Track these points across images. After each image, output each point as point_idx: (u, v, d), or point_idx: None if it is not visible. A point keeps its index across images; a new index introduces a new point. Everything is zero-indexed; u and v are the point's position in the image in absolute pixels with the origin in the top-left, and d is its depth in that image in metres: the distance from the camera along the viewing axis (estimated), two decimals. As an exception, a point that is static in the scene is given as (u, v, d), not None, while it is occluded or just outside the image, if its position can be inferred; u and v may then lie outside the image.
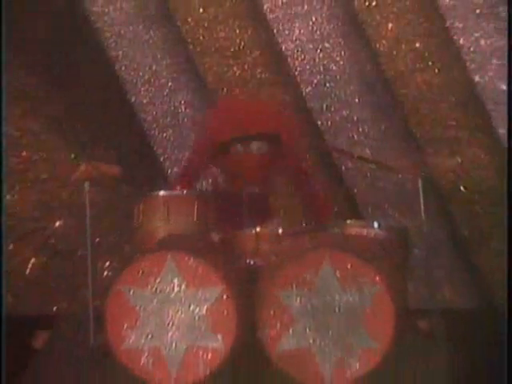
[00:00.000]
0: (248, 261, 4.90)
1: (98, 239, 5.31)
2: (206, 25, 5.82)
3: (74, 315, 5.51)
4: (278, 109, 5.57)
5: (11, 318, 5.86)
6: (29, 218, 5.97)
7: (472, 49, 5.68)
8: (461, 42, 5.68)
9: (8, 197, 5.96)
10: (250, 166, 5.25)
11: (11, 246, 5.94)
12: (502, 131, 5.74)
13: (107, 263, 5.63)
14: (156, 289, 4.73)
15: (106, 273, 5.55)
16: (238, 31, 5.82)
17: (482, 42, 5.66)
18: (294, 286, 4.66)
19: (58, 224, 5.93)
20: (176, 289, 4.73)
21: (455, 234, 5.84)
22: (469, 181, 5.81)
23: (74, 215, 5.80)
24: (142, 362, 4.71)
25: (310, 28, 5.79)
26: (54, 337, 5.37)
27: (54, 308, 5.77)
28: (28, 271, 5.93)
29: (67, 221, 5.92)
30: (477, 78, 5.70)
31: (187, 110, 5.90)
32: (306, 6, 5.76)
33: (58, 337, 5.39)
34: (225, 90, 5.83)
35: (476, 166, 5.80)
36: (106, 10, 5.81)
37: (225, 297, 4.67)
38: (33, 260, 5.95)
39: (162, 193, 5.17)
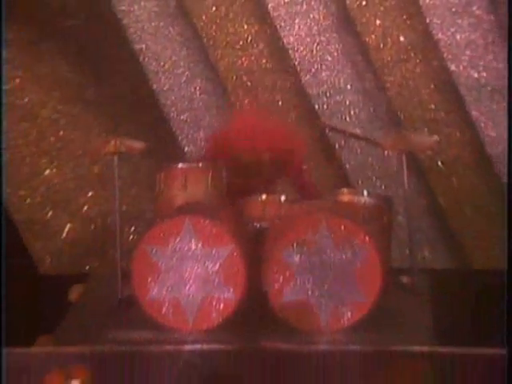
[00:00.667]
0: (255, 224, 4.89)
1: (124, 207, 5.27)
2: (217, 21, 5.79)
3: (104, 273, 5.55)
4: (288, 128, 5.52)
5: (49, 275, 5.94)
6: (65, 189, 5.93)
7: (448, 42, 5.65)
8: (439, 36, 5.65)
9: (47, 171, 5.95)
10: (258, 177, 5.22)
11: (50, 213, 5.94)
12: (475, 113, 5.72)
13: (132, 228, 5.61)
14: (175, 247, 4.74)
15: (131, 236, 5.54)
16: (245, 27, 5.80)
17: (457, 36, 5.63)
18: (295, 245, 4.67)
19: (90, 194, 5.91)
20: (193, 247, 4.73)
21: (433, 202, 5.82)
22: (445, 156, 5.79)
23: (103, 186, 5.78)
24: (164, 311, 4.72)
25: (309, 24, 5.76)
26: (86, 291, 5.38)
27: (87, 267, 5.77)
28: (64, 235, 5.92)
29: (98, 191, 5.89)
30: (452, 67, 5.67)
31: (201, 96, 5.88)
32: (304, 6, 5.73)
33: (90, 291, 5.40)
34: (234, 78, 5.82)
35: (451, 143, 5.78)
36: (132, 8, 5.78)
37: (235, 254, 4.68)
38: (68, 225, 5.94)
39: (180, 165, 5.16)
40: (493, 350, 4.37)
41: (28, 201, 5.92)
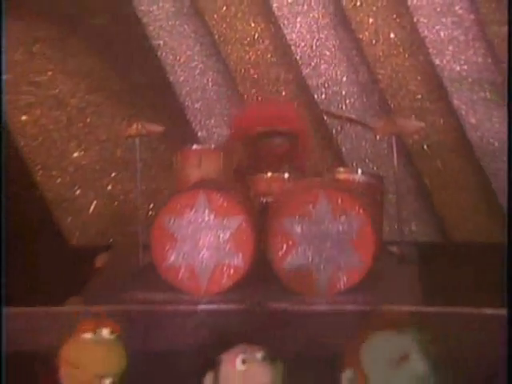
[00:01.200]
0: (261, 198, 4.90)
1: (144, 186, 5.25)
2: (227, 20, 5.78)
3: (126, 244, 5.50)
4: (297, 111, 5.55)
5: (78, 246, 5.95)
6: (91, 169, 5.95)
7: (433, 38, 5.64)
8: (425, 33, 5.64)
9: (76, 154, 5.96)
10: (270, 156, 5.20)
11: (78, 192, 5.94)
12: (457, 102, 5.71)
13: (151, 205, 5.61)
14: (190, 218, 4.72)
15: (150, 212, 5.52)
16: (252, 25, 5.79)
17: (441, 33, 5.63)
18: (297, 217, 4.65)
19: (113, 175, 5.91)
20: (206, 218, 4.71)
21: (420, 182, 5.82)
22: (430, 141, 5.78)
23: (125, 168, 5.79)
24: (180, 276, 4.72)
25: (309, 22, 5.75)
26: (111, 259, 5.38)
27: (111, 240, 5.77)
28: (91, 211, 5.94)
29: (120, 172, 5.90)
30: (437, 62, 5.66)
31: (213, 87, 5.87)
32: (305, 6, 5.70)
33: (114, 259, 5.40)
34: (242, 70, 5.81)
35: (436, 129, 5.78)
36: (150, 8, 5.77)
37: (244, 225, 4.66)
38: (94, 202, 5.94)
39: (195, 146, 5.17)
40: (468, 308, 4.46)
41: (58, 180, 5.92)
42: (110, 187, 5.96)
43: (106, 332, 3.76)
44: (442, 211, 5.86)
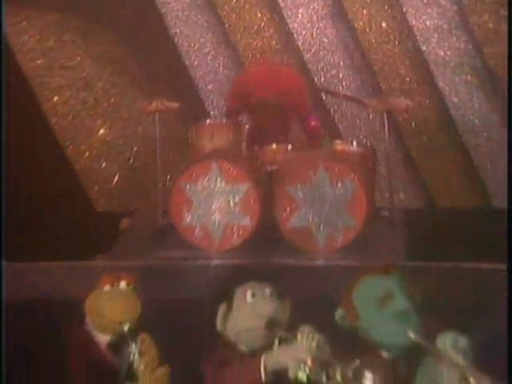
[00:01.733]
0: (267, 167, 4.89)
1: (162, 159, 5.20)
2: (237, 11, 5.75)
3: (147, 210, 5.49)
4: (291, 71, 5.52)
5: (103, 212, 5.93)
6: (115, 144, 5.93)
7: (420, 27, 5.62)
8: (413, 22, 5.62)
9: (101, 130, 5.93)
10: (269, 120, 5.17)
11: (104, 164, 5.92)
12: (441, 84, 5.69)
13: (168, 176, 5.60)
14: (204, 185, 4.75)
15: (167, 183, 5.48)
16: (259, 15, 5.76)
17: (427, 22, 5.61)
18: (299, 183, 4.68)
19: (135, 149, 5.90)
20: (218, 185, 4.74)
21: (408, 155, 5.81)
22: (417, 119, 5.76)
23: (145, 143, 5.79)
24: (195, 235, 4.76)
25: (309, 13, 5.72)
26: (133, 222, 5.38)
27: (133, 206, 5.75)
28: (115, 181, 5.93)
29: (141, 147, 5.89)
30: (424, 48, 5.64)
31: (224, 71, 5.87)
32: None
33: (137, 222, 5.40)
34: (250, 56, 5.79)
35: (422, 108, 5.76)
36: (168, 0, 5.78)
37: (251, 190, 4.70)
38: (118, 174, 5.94)
39: (208, 121, 5.16)
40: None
41: (86, 154, 5.91)
42: (131, 160, 5.94)
43: (123, 284, 3.82)
44: (427, 181, 5.85)
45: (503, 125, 5.67)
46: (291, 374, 3.41)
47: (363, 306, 3.55)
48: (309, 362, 3.41)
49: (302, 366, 3.40)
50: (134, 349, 3.64)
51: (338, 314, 3.59)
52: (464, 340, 3.43)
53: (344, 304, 3.58)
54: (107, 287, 3.77)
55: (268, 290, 3.65)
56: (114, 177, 5.94)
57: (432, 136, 5.80)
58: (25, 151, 5.61)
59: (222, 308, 3.67)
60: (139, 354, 3.61)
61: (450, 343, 3.40)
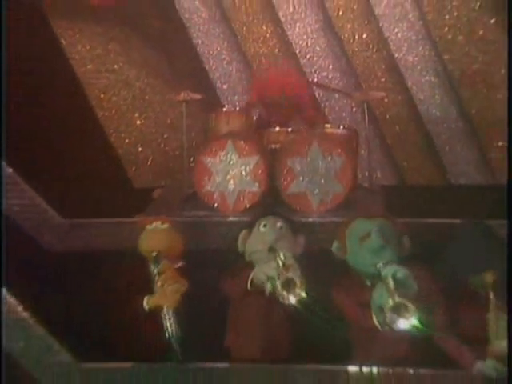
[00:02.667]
0: (272, 145, 4.94)
1: (187, 144, 5.25)
2: (247, 24, 5.73)
3: (175, 184, 5.49)
4: (295, 73, 5.50)
5: (140, 189, 5.83)
6: (149, 132, 5.90)
7: (393, 38, 5.60)
8: (387, 34, 5.62)
9: (138, 121, 5.90)
10: (277, 110, 5.16)
11: (140, 149, 5.91)
12: (410, 83, 5.66)
13: (192, 158, 5.33)
14: (222, 158, 4.76)
15: (191, 163, 5.28)
16: (264, 28, 5.76)
17: (399, 34, 5.61)
18: (297, 157, 4.71)
19: (165, 136, 5.88)
20: (232, 158, 4.76)
21: (384, 141, 5.79)
22: (391, 112, 5.75)
23: (173, 131, 5.78)
24: (214, 199, 4.78)
25: (305, 26, 5.71)
26: (164, 191, 5.36)
27: (163, 183, 5.73)
28: (149, 162, 5.94)
29: (170, 134, 5.87)
30: (396, 55, 5.64)
31: (236, 73, 5.83)
32: (302, 14, 5.68)
33: (167, 192, 5.38)
34: (257, 61, 5.78)
35: (395, 103, 5.74)
36: (192, 16, 5.75)
37: (259, 163, 4.72)
38: (151, 156, 5.93)
39: (224, 109, 5.19)
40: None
41: (126, 141, 5.91)
42: (162, 145, 5.93)
43: (158, 223, 3.94)
44: (399, 162, 5.85)
45: (459, 116, 5.66)
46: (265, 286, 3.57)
47: (350, 242, 3.69)
48: (276, 278, 3.49)
49: (270, 280, 3.51)
50: (154, 270, 3.75)
51: (334, 245, 3.73)
52: (403, 271, 3.47)
53: (338, 238, 3.73)
54: (148, 226, 3.93)
55: (279, 224, 3.78)
56: (148, 159, 5.93)
57: (403, 125, 5.77)
58: (77, 139, 5.58)
59: (242, 233, 3.83)
60: (158, 274, 3.72)
61: (390, 273, 3.48)
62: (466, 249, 3.75)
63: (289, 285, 3.48)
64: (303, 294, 3.45)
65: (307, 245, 3.94)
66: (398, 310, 3.29)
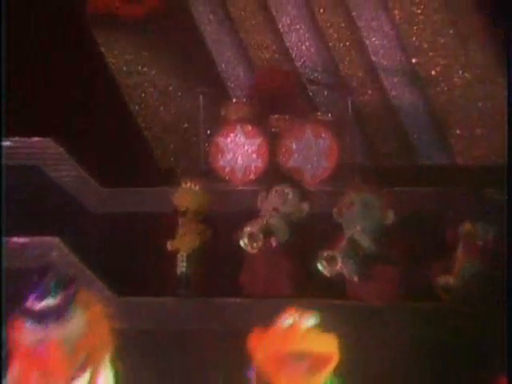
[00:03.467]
0: (272, 129, 5.01)
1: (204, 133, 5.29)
2: (252, 33, 5.67)
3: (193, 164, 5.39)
4: (286, 72, 5.58)
5: (166, 169, 5.61)
6: (173, 121, 5.74)
7: (371, 45, 5.58)
8: (367, 42, 5.58)
9: (163, 113, 5.78)
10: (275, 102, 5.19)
11: (164, 135, 5.79)
12: (385, 83, 5.58)
13: (206, 144, 5.34)
14: (232, 140, 4.90)
15: (207, 147, 5.27)
16: (266, 37, 5.67)
17: (376, 42, 5.57)
18: (293, 139, 4.90)
19: (185, 125, 5.77)
20: (241, 139, 4.91)
21: (365, 130, 5.65)
22: (370, 105, 5.66)
23: (193, 120, 5.59)
24: (225, 172, 4.92)
25: (300, 36, 5.64)
26: (186, 168, 5.34)
27: (185, 164, 5.60)
28: (171, 147, 5.80)
29: (190, 124, 5.71)
30: (374, 59, 5.60)
31: (244, 74, 5.75)
32: (297, 26, 5.61)
33: (188, 167, 5.36)
34: (261, 64, 5.70)
35: (373, 99, 5.64)
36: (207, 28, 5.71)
37: (263, 143, 4.89)
38: (174, 142, 5.78)
39: (234, 101, 5.25)
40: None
41: (153, 129, 5.77)
42: (182, 132, 5.81)
43: (192, 184, 4.12)
44: (376, 145, 5.69)
45: (425, 108, 5.57)
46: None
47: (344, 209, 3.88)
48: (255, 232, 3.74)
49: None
50: (180, 221, 3.97)
51: (334, 210, 3.90)
52: (364, 237, 3.71)
53: (338, 207, 3.90)
54: (183, 185, 4.11)
55: (287, 191, 3.97)
56: (171, 144, 5.81)
57: (379, 115, 5.68)
58: (114, 126, 5.45)
59: (261, 194, 4.03)
60: (182, 225, 3.95)
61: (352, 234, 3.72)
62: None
63: (268, 231, 3.74)
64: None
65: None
66: (331, 260, 3.57)
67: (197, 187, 4.08)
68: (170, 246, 3.93)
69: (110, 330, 2.40)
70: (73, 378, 2.37)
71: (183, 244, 3.93)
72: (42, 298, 2.23)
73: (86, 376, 2.39)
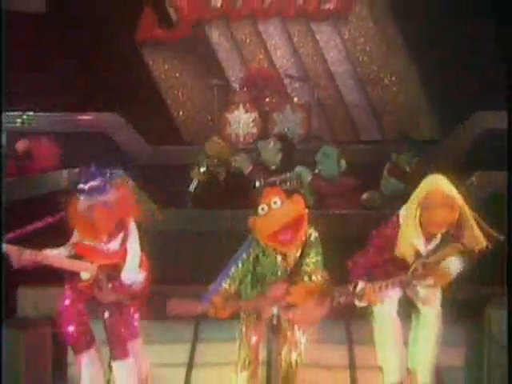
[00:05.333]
0: (265, 107, 5.05)
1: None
2: (248, 52, 5.50)
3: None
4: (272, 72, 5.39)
5: (190, 141, 5.41)
6: (193, 109, 5.55)
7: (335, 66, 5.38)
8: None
9: (188, 104, 5.57)
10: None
11: (190, 119, 5.54)
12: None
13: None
14: (237, 113, 4.90)
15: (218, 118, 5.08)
16: (258, 53, 5.51)
17: (337, 62, 5.39)
18: (278, 113, 4.91)
19: (206, 107, 5.48)
20: (242, 114, 4.93)
21: (326, 112, 5.41)
22: (329, 95, 5.41)
23: (208, 108, 5.42)
24: (232, 139, 4.87)
25: (282, 52, 5.47)
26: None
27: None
28: (194, 127, 5.53)
29: (208, 106, 5.44)
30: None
31: (241, 75, 5.46)
32: (283, 46, 5.45)
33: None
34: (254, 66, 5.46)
35: (333, 90, 5.41)
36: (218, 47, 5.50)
37: (257, 116, 4.92)
38: (195, 124, 5.54)
39: (238, 90, 5.11)
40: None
41: (183, 115, 5.59)
42: (204, 112, 5.51)
43: (216, 138, 4.10)
44: (336, 129, 5.48)
45: (363, 99, 5.34)
46: None
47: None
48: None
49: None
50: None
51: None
52: (307, 173, 3.67)
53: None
54: (214, 138, 4.10)
55: (272, 143, 3.90)
56: (196, 119, 5.54)
57: (334, 102, 5.41)
58: (157, 113, 5.31)
59: (261, 143, 4.02)
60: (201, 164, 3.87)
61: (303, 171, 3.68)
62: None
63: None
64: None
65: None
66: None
67: (219, 141, 4.09)
68: (193, 174, 3.88)
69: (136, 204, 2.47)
70: (110, 236, 2.49)
71: (196, 174, 3.88)
72: (88, 180, 2.46)
73: (119, 237, 2.50)
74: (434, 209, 2.25)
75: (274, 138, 4.05)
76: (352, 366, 2.73)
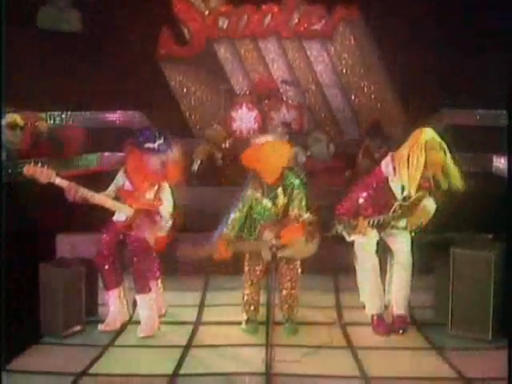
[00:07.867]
0: (265, 107, 5.01)
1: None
2: (249, 65, 5.46)
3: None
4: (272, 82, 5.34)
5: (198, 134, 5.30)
6: (205, 111, 5.41)
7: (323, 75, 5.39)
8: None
9: (199, 107, 5.44)
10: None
11: (200, 120, 5.44)
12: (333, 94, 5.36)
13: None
14: (240, 111, 4.92)
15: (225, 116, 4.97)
16: (258, 66, 5.44)
17: (325, 73, 5.38)
18: (275, 111, 4.95)
19: (215, 108, 5.30)
20: (245, 112, 4.94)
21: (314, 110, 5.36)
22: (320, 101, 5.40)
23: (216, 105, 5.25)
24: (237, 133, 4.87)
25: (279, 65, 5.41)
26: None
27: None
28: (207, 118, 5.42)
29: (217, 107, 5.36)
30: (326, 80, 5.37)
31: (243, 85, 5.40)
32: (279, 60, 5.43)
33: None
34: (255, 76, 5.36)
35: (322, 95, 5.40)
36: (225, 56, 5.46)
37: (258, 114, 4.93)
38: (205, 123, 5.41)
39: (242, 94, 5.10)
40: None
41: (194, 117, 5.53)
42: (213, 112, 5.37)
43: (219, 127, 4.09)
44: (319, 121, 5.39)
45: (346, 104, 5.30)
46: None
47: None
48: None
49: None
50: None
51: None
52: (300, 152, 3.78)
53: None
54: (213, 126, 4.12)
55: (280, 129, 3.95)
56: (206, 117, 5.39)
57: (323, 106, 5.41)
58: (176, 114, 5.32)
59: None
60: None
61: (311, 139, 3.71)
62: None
63: None
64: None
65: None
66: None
67: (219, 127, 4.14)
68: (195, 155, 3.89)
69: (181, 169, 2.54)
70: (150, 186, 2.61)
71: (200, 154, 3.91)
72: (154, 141, 2.56)
73: (154, 189, 2.60)
74: (436, 151, 2.41)
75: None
76: (339, 306, 2.85)
